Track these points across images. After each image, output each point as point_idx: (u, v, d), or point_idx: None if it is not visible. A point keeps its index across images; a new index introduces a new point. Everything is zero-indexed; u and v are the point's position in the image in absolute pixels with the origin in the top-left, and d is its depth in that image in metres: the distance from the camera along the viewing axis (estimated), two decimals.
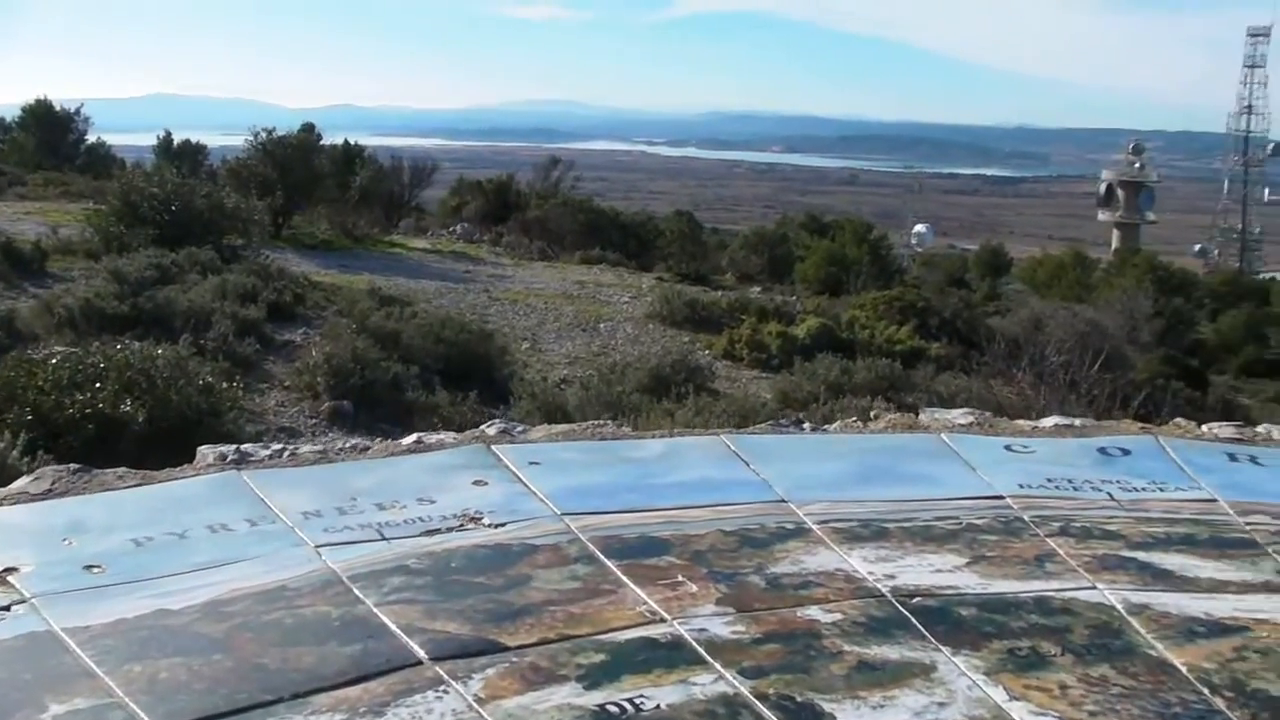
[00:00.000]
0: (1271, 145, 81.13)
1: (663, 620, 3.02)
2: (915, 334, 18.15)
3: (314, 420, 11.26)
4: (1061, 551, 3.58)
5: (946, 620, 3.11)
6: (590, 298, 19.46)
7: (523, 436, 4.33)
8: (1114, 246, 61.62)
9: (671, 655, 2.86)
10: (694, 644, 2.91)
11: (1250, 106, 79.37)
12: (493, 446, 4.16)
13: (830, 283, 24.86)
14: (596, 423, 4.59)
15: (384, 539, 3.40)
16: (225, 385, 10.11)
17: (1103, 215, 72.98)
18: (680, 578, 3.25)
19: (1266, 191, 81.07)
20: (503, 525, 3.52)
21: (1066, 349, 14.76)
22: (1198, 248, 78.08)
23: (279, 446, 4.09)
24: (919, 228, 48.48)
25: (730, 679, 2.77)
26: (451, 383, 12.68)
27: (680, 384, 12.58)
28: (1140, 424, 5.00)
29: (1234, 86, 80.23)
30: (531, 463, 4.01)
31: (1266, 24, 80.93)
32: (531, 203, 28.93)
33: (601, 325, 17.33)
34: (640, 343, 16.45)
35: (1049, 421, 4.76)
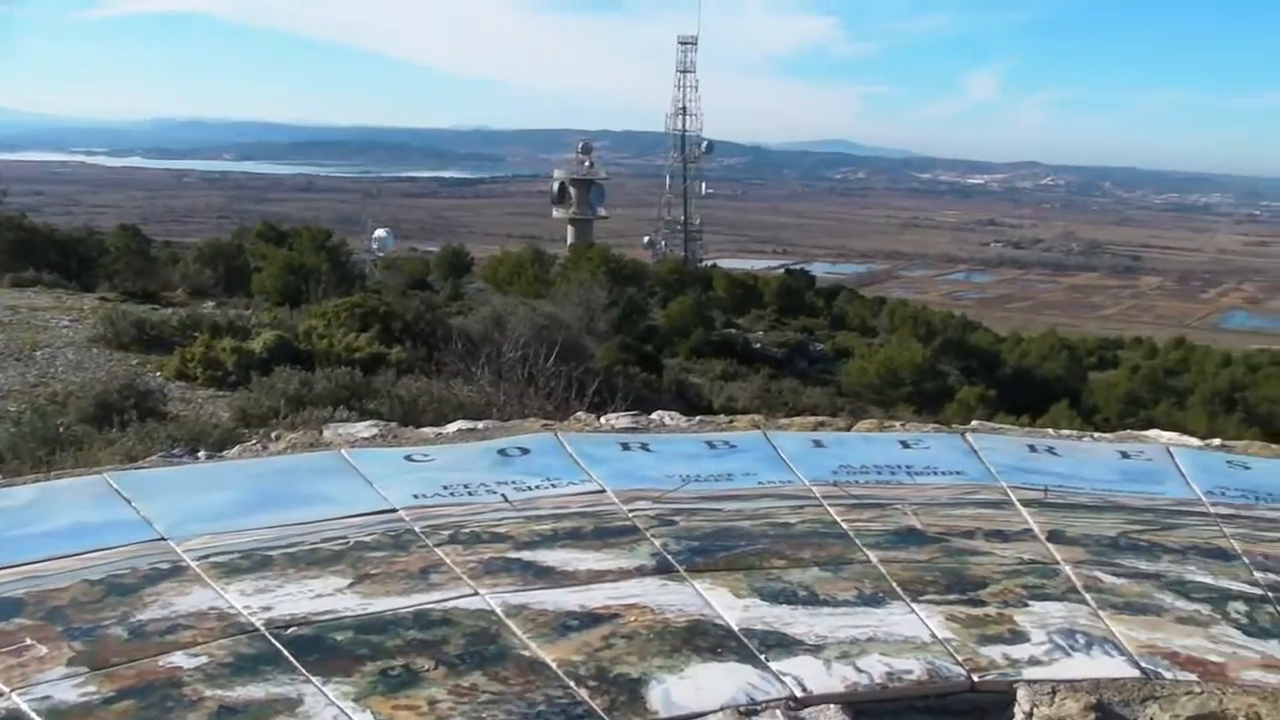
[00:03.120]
0: (706, 143, 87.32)
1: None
2: (377, 340, 18.02)
3: None
4: (449, 560, 3.57)
5: (320, 648, 3.02)
6: (24, 324, 18.00)
7: None
8: (570, 242, 63.93)
9: None
10: (34, 716, 2.66)
11: (685, 108, 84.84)
12: None
13: (290, 293, 24.26)
14: None
15: None
16: None
17: (557, 212, 75.46)
18: (29, 641, 2.97)
19: (704, 186, 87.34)
20: None
21: (524, 344, 15.08)
22: (646, 239, 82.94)
23: None
24: (379, 232, 48.21)
25: None
26: None
27: (128, 410, 11.86)
28: (543, 421, 5.12)
29: (670, 90, 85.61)
30: None
31: (694, 34, 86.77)
32: None
33: (39, 353, 16.06)
34: (84, 369, 15.37)
35: (452, 427, 4.78)
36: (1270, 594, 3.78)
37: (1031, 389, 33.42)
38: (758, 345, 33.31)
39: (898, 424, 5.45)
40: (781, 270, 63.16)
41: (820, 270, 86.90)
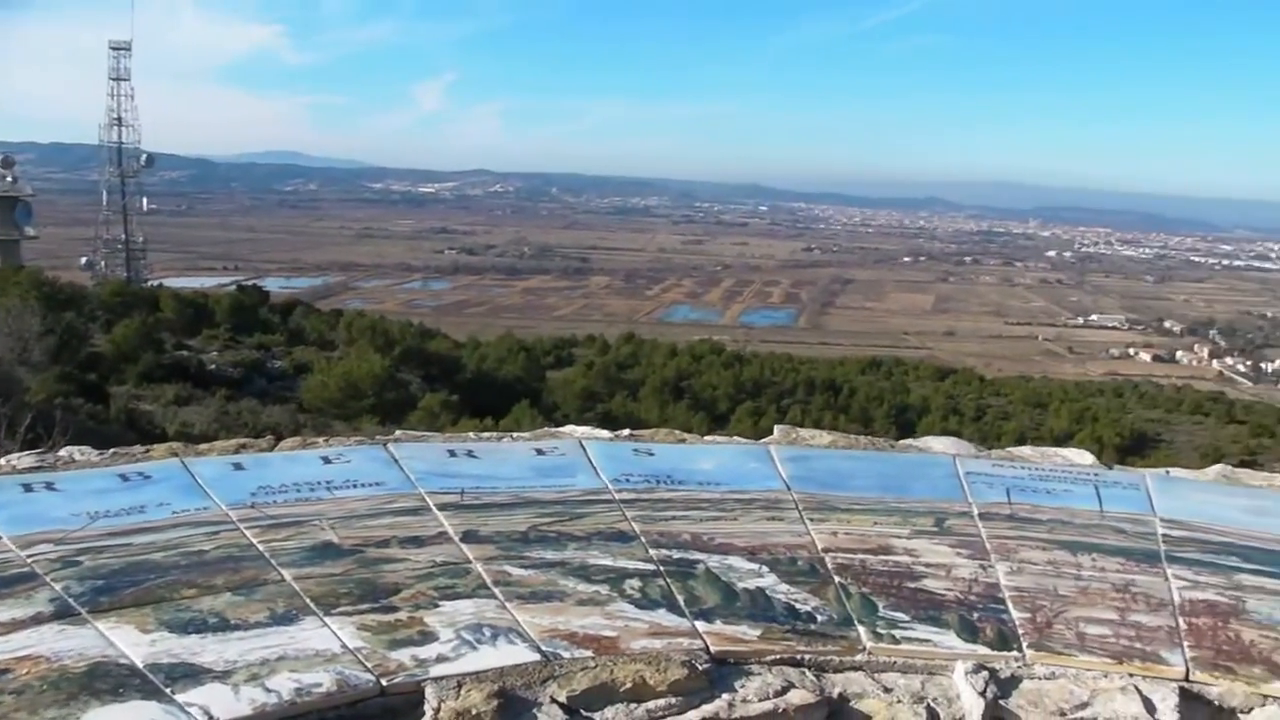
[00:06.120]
0: (145, 156, 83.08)
1: None
2: None
3: None
4: None
5: None
6: None
7: None
8: None
9: None
10: None
11: (120, 119, 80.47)
12: None
13: None
14: None
15: None
16: None
17: None
18: None
19: (145, 201, 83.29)
20: None
21: None
22: (84, 260, 78.25)
23: None
24: None
25: None
26: None
27: None
28: None
29: (103, 99, 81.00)
30: None
31: (127, 39, 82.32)
32: None
33: None
34: None
35: None
36: (661, 568, 4.13)
37: (493, 391, 34.39)
38: (213, 366, 32.33)
39: (321, 440, 5.48)
40: (233, 287, 61.43)
41: (274, 285, 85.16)
